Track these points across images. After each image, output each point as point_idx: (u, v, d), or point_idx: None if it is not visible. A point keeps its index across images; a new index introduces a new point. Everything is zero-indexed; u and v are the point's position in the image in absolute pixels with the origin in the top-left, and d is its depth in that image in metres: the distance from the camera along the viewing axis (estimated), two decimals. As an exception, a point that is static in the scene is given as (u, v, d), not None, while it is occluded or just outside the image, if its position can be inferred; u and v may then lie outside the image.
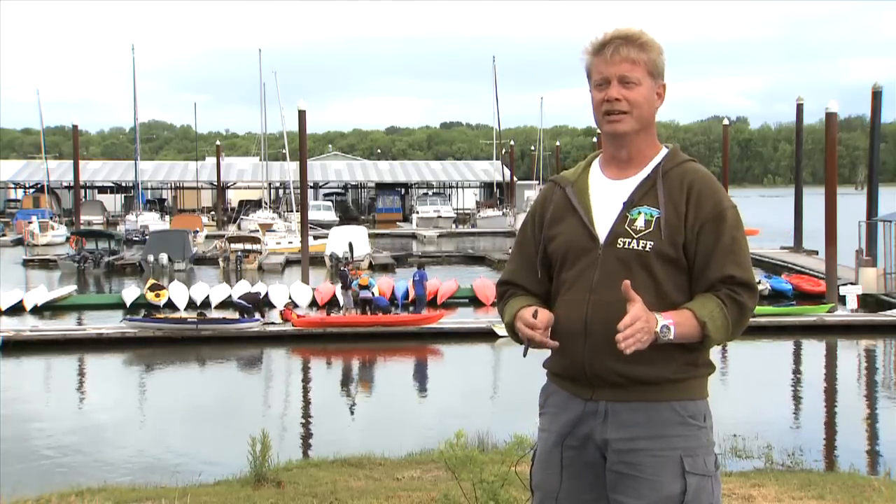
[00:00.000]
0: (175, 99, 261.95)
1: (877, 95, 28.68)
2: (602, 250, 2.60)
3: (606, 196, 2.66)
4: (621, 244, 2.57)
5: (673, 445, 2.55)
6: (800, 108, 37.47)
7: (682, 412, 2.58)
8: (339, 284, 24.81)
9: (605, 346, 2.52)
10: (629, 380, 2.56)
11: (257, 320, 21.74)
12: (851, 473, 9.48)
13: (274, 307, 24.57)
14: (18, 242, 48.67)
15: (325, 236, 39.36)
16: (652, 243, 2.55)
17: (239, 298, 23.38)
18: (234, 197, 74.37)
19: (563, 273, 2.67)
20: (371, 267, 35.50)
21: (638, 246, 2.55)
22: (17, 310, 25.11)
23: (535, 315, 2.56)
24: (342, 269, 25.79)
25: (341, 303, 24.25)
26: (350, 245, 35.23)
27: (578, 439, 2.64)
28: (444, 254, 43.45)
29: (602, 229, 2.62)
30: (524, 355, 2.72)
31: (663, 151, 2.69)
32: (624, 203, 2.61)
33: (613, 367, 2.55)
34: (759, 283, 26.85)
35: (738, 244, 2.58)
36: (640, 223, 2.57)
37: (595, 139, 52.86)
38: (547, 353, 2.74)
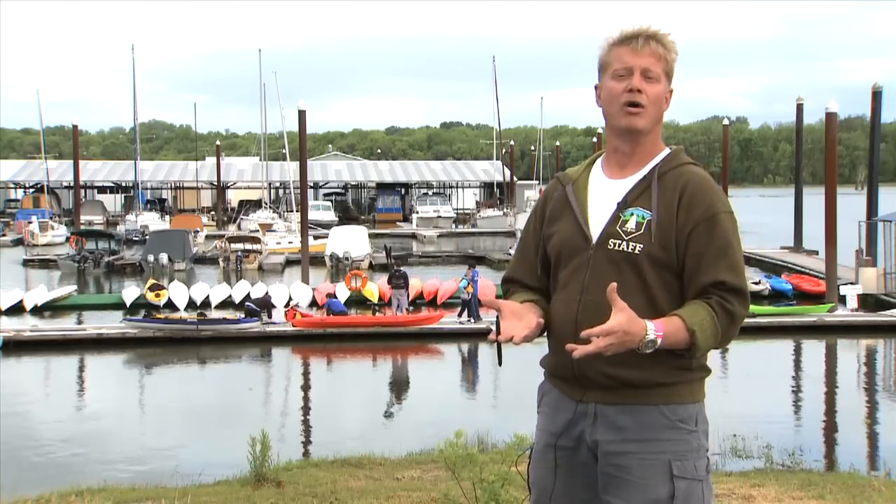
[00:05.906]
0: (175, 99, 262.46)
1: (877, 95, 28.69)
2: (594, 250, 2.58)
3: (603, 195, 2.64)
4: (612, 245, 2.55)
5: (661, 449, 2.53)
6: (800, 108, 37.50)
7: (671, 416, 2.55)
8: (392, 285, 23.81)
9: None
10: (617, 382, 2.54)
11: (257, 320, 21.74)
12: (851, 473, 9.47)
13: (275, 307, 24.56)
14: (18, 242, 48.54)
15: (325, 236, 39.37)
16: (641, 246, 2.52)
17: (249, 302, 23.36)
18: (234, 197, 74.27)
19: (559, 272, 2.67)
20: (371, 267, 35.52)
21: (627, 248, 2.52)
22: (17, 310, 25.10)
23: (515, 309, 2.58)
24: (397, 269, 24.76)
25: (397, 305, 23.34)
26: (387, 248, 35.62)
27: (572, 440, 2.64)
28: (444, 254, 43.37)
29: (595, 229, 2.60)
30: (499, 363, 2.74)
31: (665, 152, 2.66)
32: (617, 203, 2.59)
33: (601, 369, 2.53)
34: (759, 282, 27.17)
35: (731, 249, 2.53)
36: (631, 225, 2.55)
37: (595, 139, 52.56)
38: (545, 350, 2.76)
